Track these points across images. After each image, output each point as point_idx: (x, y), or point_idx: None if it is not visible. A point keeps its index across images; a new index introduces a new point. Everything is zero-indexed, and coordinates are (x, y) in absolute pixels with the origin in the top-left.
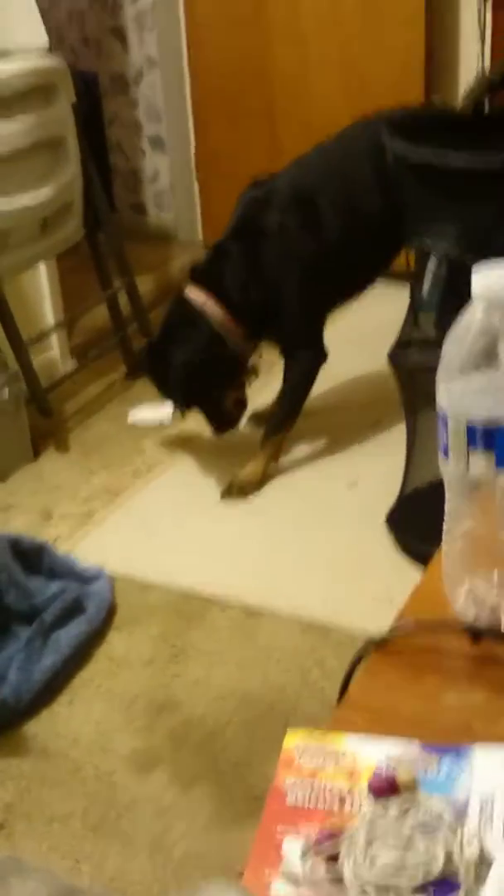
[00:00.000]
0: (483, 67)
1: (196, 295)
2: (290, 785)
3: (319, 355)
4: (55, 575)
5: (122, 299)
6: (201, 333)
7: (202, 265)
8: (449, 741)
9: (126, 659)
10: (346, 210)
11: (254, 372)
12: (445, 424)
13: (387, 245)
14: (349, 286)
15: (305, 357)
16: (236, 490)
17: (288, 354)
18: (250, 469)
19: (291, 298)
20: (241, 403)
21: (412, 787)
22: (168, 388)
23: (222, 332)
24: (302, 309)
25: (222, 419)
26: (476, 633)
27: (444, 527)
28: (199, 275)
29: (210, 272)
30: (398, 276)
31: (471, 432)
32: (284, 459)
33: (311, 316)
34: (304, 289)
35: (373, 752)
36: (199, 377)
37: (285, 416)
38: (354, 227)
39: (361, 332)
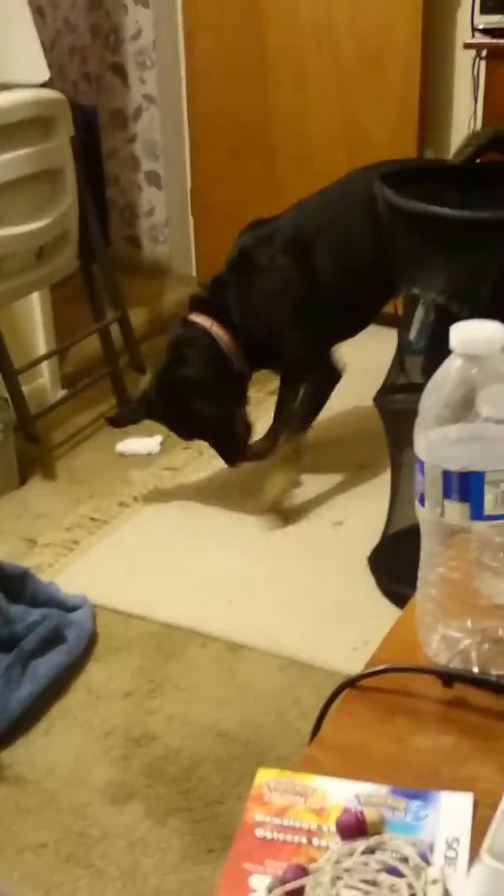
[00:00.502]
0: (474, 124)
1: (202, 319)
2: (260, 821)
3: (332, 374)
4: (37, 602)
5: (115, 330)
6: (213, 351)
7: (203, 295)
8: (417, 783)
9: (104, 690)
10: (341, 255)
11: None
12: (422, 472)
13: (379, 292)
14: (340, 328)
15: (318, 376)
16: (272, 504)
17: (299, 378)
18: (277, 479)
19: (288, 332)
20: (249, 427)
21: (379, 827)
22: (179, 418)
23: (228, 353)
24: (300, 342)
25: (235, 444)
26: (448, 678)
27: (419, 573)
28: (201, 304)
29: (211, 301)
30: (386, 320)
31: (447, 481)
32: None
33: (312, 345)
34: (300, 324)
35: (342, 792)
36: (214, 394)
37: (304, 418)
38: (348, 274)
39: (349, 374)
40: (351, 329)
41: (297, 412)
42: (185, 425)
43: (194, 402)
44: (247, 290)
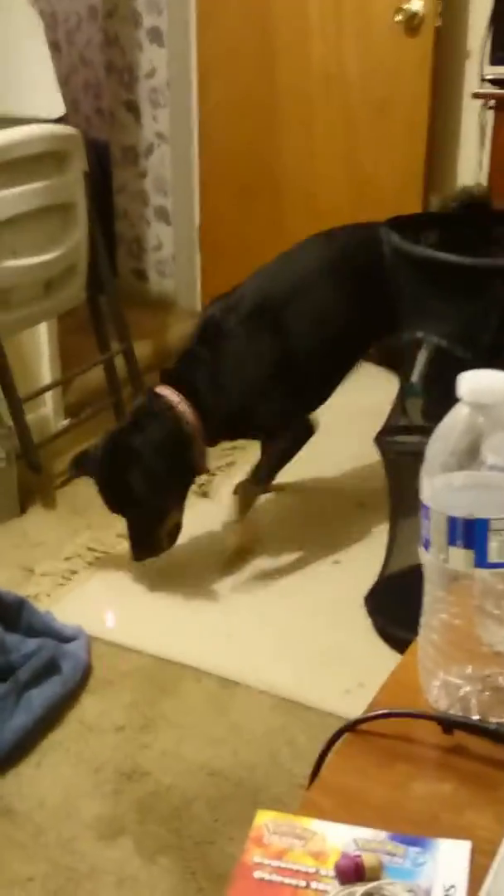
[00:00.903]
0: (480, 172)
1: (170, 393)
2: (258, 862)
3: (305, 432)
4: (33, 632)
5: (119, 362)
6: (173, 432)
7: (172, 369)
8: (415, 829)
9: (97, 724)
10: (308, 320)
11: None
12: (428, 518)
13: (348, 355)
14: (313, 393)
15: (290, 435)
16: (235, 558)
17: (273, 437)
18: (238, 534)
19: (260, 402)
20: (178, 528)
21: (378, 872)
22: (113, 487)
23: (190, 432)
24: (273, 411)
25: (152, 540)
26: (448, 725)
27: (422, 618)
28: (171, 377)
29: (181, 375)
30: (387, 363)
31: (451, 528)
32: (270, 536)
33: (285, 413)
34: (271, 393)
35: (341, 836)
36: (158, 480)
37: (268, 471)
38: (316, 338)
39: (350, 415)
40: (325, 392)
41: (262, 465)
42: (115, 497)
43: (135, 477)
44: (216, 362)
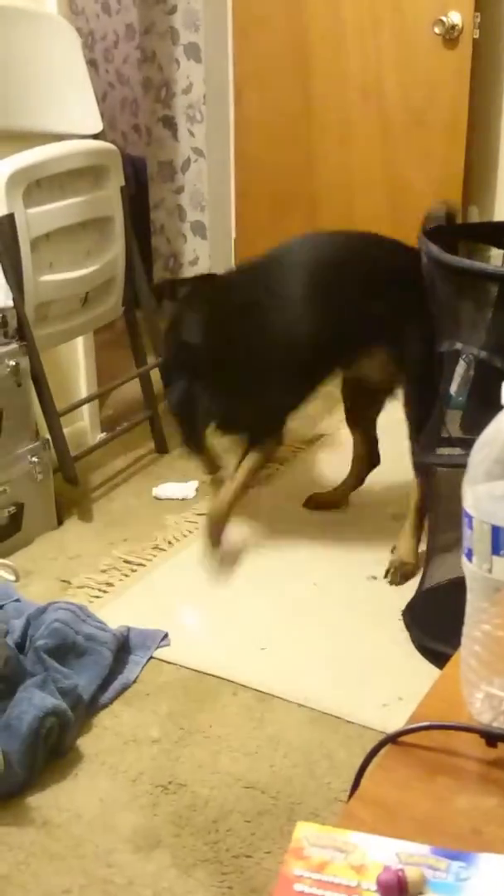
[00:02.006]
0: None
1: None
2: (299, 875)
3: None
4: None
5: (155, 376)
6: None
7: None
8: (458, 844)
9: (133, 736)
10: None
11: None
12: (471, 527)
13: (321, 363)
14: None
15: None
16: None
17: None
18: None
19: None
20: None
21: (420, 887)
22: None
23: None
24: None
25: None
26: (491, 737)
27: (464, 629)
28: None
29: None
30: None
31: (495, 537)
32: (305, 550)
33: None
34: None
35: (382, 849)
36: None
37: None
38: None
39: (386, 427)
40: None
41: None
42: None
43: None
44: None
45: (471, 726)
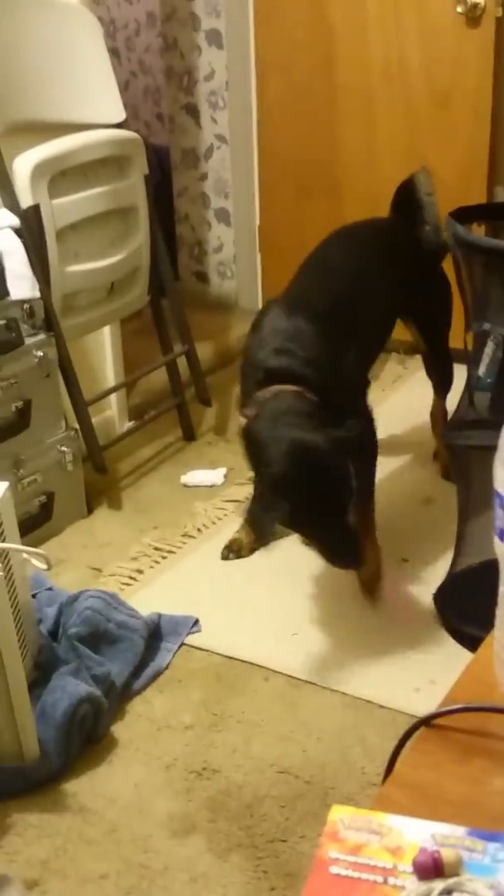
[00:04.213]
0: None
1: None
2: (334, 857)
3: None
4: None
5: (182, 364)
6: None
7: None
8: (494, 825)
9: (167, 722)
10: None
11: None
12: (502, 507)
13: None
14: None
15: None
16: (372, 584)
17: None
18: (371, 559)
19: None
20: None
21: (457, 868)
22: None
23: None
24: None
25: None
26: None
27: (497, 610)
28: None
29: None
30: (454, 356)
31: None
32: None
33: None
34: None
35: (418, 831)
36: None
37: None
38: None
39: (415, 410)
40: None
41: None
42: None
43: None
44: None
45: None
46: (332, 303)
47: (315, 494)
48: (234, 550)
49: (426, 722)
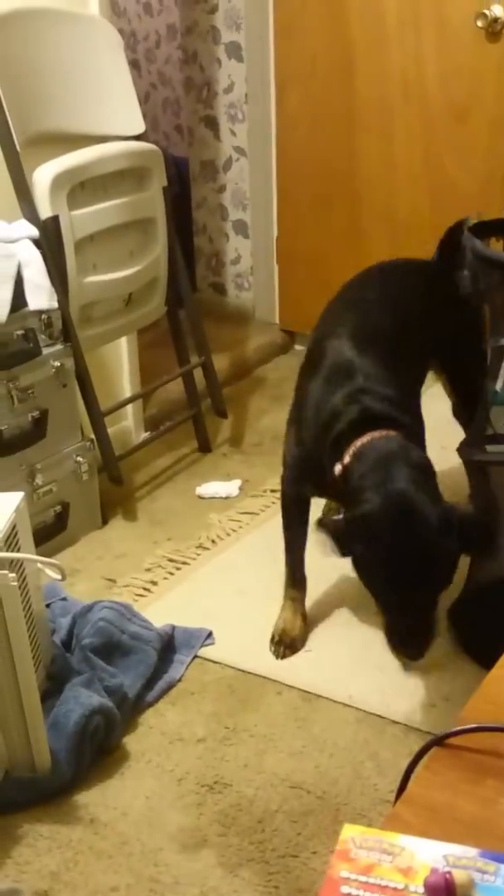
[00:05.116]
0: None
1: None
2: (345, 877)
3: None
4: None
5: (198, 375)
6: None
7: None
8: None
9: (179, 735)
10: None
11: None
12: None
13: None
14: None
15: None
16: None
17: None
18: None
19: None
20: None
21: (469, 890)
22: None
23: None
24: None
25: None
26: None
27: None
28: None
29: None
30: None
31: None
32: None
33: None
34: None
35: (429, 852)
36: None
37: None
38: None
39: (432, 425)
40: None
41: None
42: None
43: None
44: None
45: None
46: (391, 343)
47: (413, 566)
48: (286, 645)
49: (439, 741)
